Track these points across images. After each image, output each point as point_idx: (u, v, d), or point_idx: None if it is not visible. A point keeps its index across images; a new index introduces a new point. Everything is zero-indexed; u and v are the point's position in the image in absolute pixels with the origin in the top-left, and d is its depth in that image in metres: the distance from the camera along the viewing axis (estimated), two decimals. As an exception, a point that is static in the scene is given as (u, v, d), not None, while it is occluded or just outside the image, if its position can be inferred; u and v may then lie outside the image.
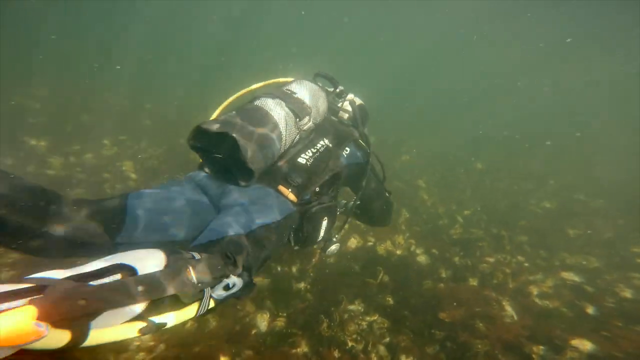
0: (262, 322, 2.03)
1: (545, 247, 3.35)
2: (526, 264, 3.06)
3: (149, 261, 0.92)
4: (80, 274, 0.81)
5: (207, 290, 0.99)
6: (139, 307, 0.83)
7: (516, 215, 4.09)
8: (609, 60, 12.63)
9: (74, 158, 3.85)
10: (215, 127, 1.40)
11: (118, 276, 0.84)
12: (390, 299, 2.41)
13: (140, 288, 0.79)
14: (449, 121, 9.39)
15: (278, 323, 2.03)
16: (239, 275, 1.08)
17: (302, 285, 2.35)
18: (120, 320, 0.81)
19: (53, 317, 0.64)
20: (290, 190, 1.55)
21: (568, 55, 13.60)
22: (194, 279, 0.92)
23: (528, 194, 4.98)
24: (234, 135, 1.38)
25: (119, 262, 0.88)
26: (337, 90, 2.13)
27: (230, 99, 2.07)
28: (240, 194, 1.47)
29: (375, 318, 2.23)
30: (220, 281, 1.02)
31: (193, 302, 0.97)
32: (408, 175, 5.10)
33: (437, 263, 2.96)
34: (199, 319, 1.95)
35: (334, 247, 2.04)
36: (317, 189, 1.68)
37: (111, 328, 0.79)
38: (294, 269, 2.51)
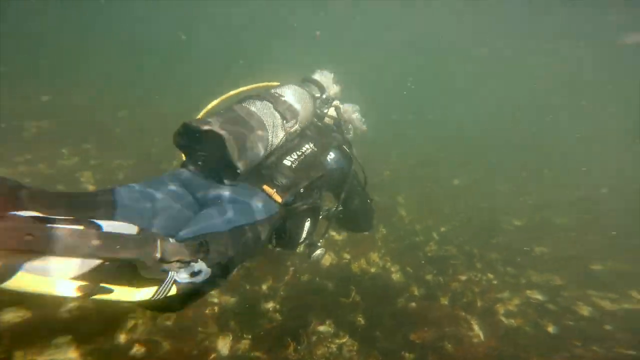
0: (224, 345, 1.95)
1: (514, 265, 3.47)
2: (495, 282, 3.14)
3: (119, 228, 0.88)
4: (45, 217, 0.76)
5: (171, 274, 0.94)
6: (87, 264, 0.77)
7: (489, 232, 4.22)
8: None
9: (24, 167, 3.64)
10: (203, 125, 1.40)
11: (81, 227, 0.79)
12: (361, 319, 2.40)
13: (95, 242, 0.74)
14: (427, 132, 9.73)
15: (241, 346, 1.96)
16: (209, 266, 1.05)
17: (270, 304, 2.29)
18: (63, 274, 0.74)
19: None
20: (275, 190, 1.57)
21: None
22: (158, 253, 0.87)
23: (501, 210, 5.18)
24: (221, 133, 1.38)
25: (88, 219, 0.84)
26: (324, 96, 2.18)
27: (218, 100, 2.08)
28: (224, 192, 1.48)
29: (345, 340, 2.20)
30: (188, 265, 0.99)
31: (153, 279, 0.91)
32: (388, 191, 5.19)
33: (411, 281, 2.98)
34: (155, 315, 1.88)
35: (319, 252, 2.05)
36: (302, 191, 1.71)
37: (47, 278, 0.72)
38: (264, 287, 2.46)
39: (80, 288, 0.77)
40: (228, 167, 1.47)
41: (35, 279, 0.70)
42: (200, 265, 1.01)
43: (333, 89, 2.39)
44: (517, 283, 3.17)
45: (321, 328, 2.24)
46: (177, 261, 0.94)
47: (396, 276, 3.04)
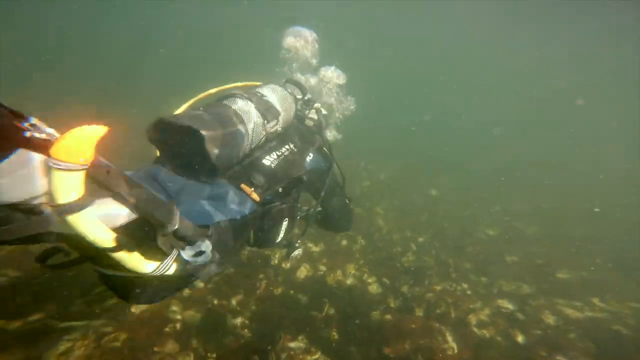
0: (186, 367, 1.81)
1: (486, 274, 3.54)
2: (469, 292, 3.19)
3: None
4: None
5: (175, 251, 1.00)
6: (129, 217, 0.89)
7: (464, 242, 4.32)
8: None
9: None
10: (180, 120, 1.35)
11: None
12: (335, 333, 2.33)
13: (143, 195, 0.85)
14: (409, 144, 9.99)
15: (205, 367, 1.83)
16: (211, 251, 1.08)
17: (239, 320, 2.18)
18: (113, 221, 0.86)
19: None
20: (252, 189, 1.55)
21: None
22: (177, 223, 0.95)
23: (476, 219, 5.34)
24: (200, 130, 1.34)
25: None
26: (306, 98, 2.19)
27: (196, 98, 2.03)
28: (200, 189, 1.44)
29: (317, 356, 2.12)
30: (194, 244, 1.03)
31: (160, 252, 0.97)
32: (368, 202, 5.22)
33: (387, 292, 2.96)
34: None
35: (296, 253, 2.03)
36: (280, 190, 1.71)
37: (98, 222, 0.82)
38: (233, 302, 2.34)
39: (116, 239, 0.83)
40: (205, 165, 1.43)
41: (91, 218, 0.79)
42: (206, 245, 1.05)
43: (338, 79, 2.37)
44: (489, 293, 3.23)
45: (292, 344, 2.15)
46: (186, 239, 1.01)
47: (373, 288, 3.01)
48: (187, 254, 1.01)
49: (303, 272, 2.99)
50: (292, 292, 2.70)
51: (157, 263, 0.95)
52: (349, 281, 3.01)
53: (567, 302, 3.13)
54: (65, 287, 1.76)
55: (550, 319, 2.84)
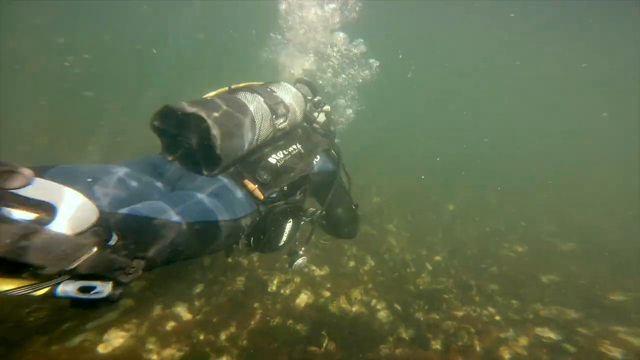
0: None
1: (517, 297, 3.07)
2: (497, 317, 2.74)
3: (78, 212, 0.81)
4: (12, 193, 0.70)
5: (57, 280, 0.83)
6: None
7: (487, 261, 3.86)
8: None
9: None
10: (186, 107, 1.31)
11: (33, 215, 0.73)
12: (336, 373, 2.01)
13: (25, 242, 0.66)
14: (422, 157, 9.62)
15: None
16: (117, 284, 0.94)
17: (224, 359, 1.93)
18: None
19: None
20: (257, 186, 1.47)
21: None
22: (79, 264, 0.79)
23: (500, 236, 4.83)
24: (206, 116, 1.30)
25: (49, 201, 0.77)
26: (316, 99, 2.15)
27: (206, 96, 2.02)
28: (199, 181, 1.38)
29: (314, 402, 1.80)
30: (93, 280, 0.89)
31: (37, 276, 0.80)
32: (378, 219, 4.91)
33: (398, 320, 2.60)
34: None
35: (300, 261, 1.93)
36: (285, 189, 1.62)
37: None
38: (222, 336, 2.10)
39: None
40: (208, 157, 1.38)
41: None
42: (103, 287, 0.91)
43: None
44: (523, 319, 2.76)
45: (285, 387, 1.85)
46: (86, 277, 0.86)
47: (382, 315, 2.66)
48: (67, 288, 0.84)
49: (303, 298, 2.71)
50: (290, 322, 2.42)
51: (27, 282, 0.78)
52: (355, 308, 2.68)
53: (630, 330, 2.59)
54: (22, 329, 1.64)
55: (615, 352, 2.33)
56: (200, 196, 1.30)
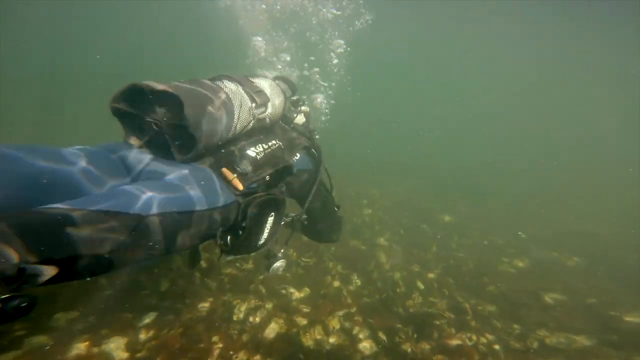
0: None
1: (518, 320, 2.73)
2: (496, 347, 2.40)
3: None
4: None
5: None
6: None
7: (484, 278, 3.53)
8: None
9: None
10: (155, 85, 1.19)
11: None
12: None
13: None
14: (417, 166, 9.38)
15: None
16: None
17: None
18: None
19: None
20: (235, 176, 1.35)
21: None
22: None
23: (499, 249, 4.51)
24: (176, 93, 1.17)
25: None
26: (294, 98, 2.10)
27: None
28: (170, 167, 1.24)
29: None
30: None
31: None
32: (369, 233, 4.61)
33: (383, 354, 2.26)
34: None
35: (279, 264, 1.84)
36: (268, 178, 1.51)
37: None
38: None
39: None
40: (182, 139, 1.25)
41: None
42: None
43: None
44: (525, 348, 2.42)
45: None
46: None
47: (364, 346, 2.33)
48: None
49: (274, 328, 2.38)
50: (256, 357, 2.09)
51: None
52: (333, 339, 2.35)
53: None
54: None
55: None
56: (170, 182, 1.16)
